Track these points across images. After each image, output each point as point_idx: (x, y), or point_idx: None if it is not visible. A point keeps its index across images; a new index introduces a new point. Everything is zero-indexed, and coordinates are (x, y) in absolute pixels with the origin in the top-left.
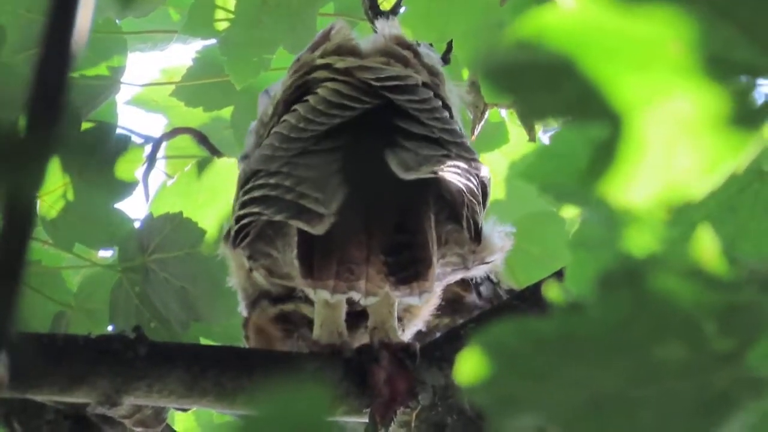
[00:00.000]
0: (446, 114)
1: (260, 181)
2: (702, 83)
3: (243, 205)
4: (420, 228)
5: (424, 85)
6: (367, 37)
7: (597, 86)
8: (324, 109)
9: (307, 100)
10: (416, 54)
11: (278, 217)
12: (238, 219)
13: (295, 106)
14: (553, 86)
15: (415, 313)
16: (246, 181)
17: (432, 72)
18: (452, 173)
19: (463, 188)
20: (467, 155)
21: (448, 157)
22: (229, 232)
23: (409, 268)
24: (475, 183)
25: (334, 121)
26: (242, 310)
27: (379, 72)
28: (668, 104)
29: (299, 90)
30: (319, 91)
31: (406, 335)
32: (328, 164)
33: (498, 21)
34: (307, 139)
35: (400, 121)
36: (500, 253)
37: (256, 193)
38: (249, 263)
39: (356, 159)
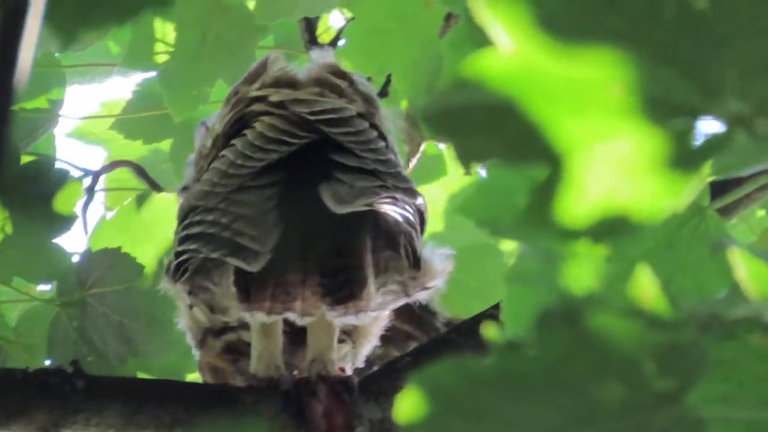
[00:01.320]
0: (382, 144)
1: (198, 217)
2: (642, 125)
3: (181, 241)
4: (355, 250)
5: (360, 115)
6: (303, 66)
7: (537, 129)
8: (261, 144)
9: (245, 135)
10: (351, 82)
11: (215, 255)
12: (177, 255)
13: (233, 141)
14: (492, 129)
15: (366, 332)
16: (185, 216)
17: (367, 100)
18: (387, 204)
19: (399, 218)
20: (402, 185)
21: (384, 188)
22: (169, 266)
23: (344, 289)
24: (411, 211)
25: (271, 156)
26: (194, 351)
27: (313, 105)
28: (608, 145)
29: (238, 123)
30: (257, 125)
31: (361, 355)
32: (264, 200)
33: (436, 54)
34: (245, 175)
35: (335, 154)
36: (441, 277)
37: (195, 230)
38: (189, 299)
39: (292, 194)
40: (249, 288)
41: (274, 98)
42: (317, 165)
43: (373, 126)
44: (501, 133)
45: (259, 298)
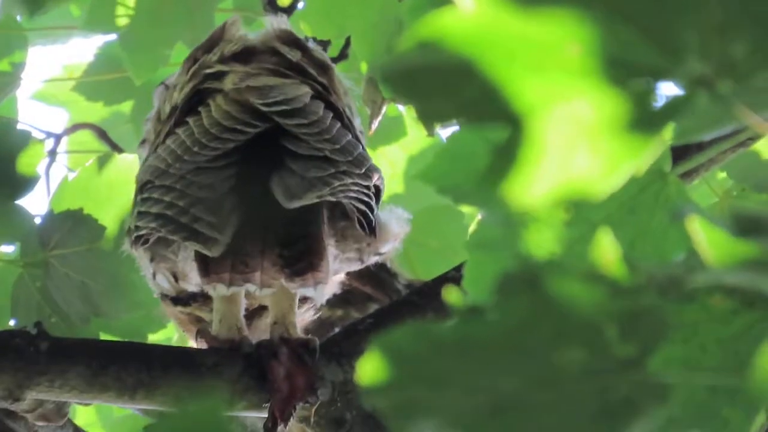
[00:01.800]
0: (337, 126)
1: (155, 194)
2: (601, 85)
3: (140, 216)
4: (312, 221)
5: (316, 93)
6: (257, 32)
7: (496, 89)
8: (217, 133)
9: (200, 118)
10: (305, 51)
11: (174, 237)
12: (136, 228)
13: (188, 120)
14: (452, 89)
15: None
16: (140, 188)
17: (321, 67)
18: (339, 192)
19: (352, 202)
20: (357, 170)
21: (337, 174)
22: (129, 233)
23: (302, 260)
24: (366, 191)
25: (227, 145)
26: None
27: (266, 94)
28: (567, 106)
29: (194, 98)
30: (212, 109)
31: (325, 296)
32: (220, 183)
33: (395, 17)
34: (201, 161)
35: (287, 142)
36: (394, 242)
37: (153, 209)
38: (152, 266)
39: (247, 177)
40: (208, 261)
41: (228, 83)
42: (271, 152)
43: (328, 103)
44: (460, 93)
45: (219, 270)
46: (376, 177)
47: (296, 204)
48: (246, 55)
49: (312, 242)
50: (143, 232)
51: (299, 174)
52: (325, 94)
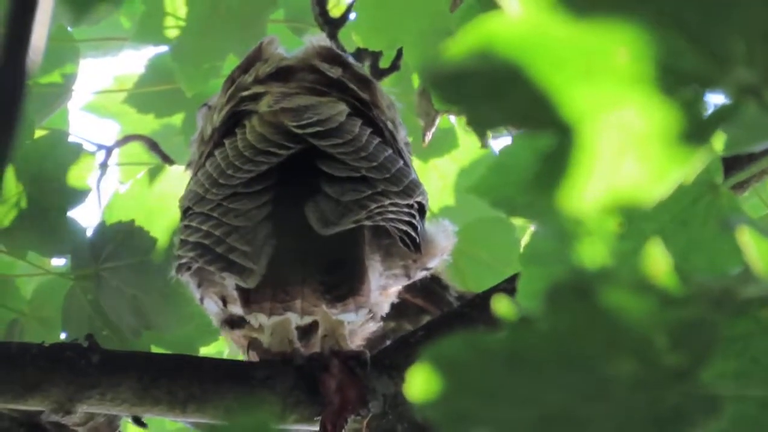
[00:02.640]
0: (376, 142)
1: (194, 223)
2: (650, 93)
3: (182, 243)
4: (352, 245)
5: (354, 109)
6: (297, 49)
7: (545, 96)
8: (250, 155)
9: (235, 140)
10: (346, 67)
11: (210, 268)
12: (178, 257)
13: (225, 142)
14: (501, 96)
15: (386, 294)
16: (183, 214)
17: (363, 81)
18: (379, 213)
19: (393, 226)
20: (396, 188)
21: (374, 195)
22: (174, 258)
23: (343, 286)
24: (406, 209)
25: (260, 168)
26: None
27: (301, 115)
28: (617, 114)
29: (231, 119)
30: (246, 132)
31: (383, 309)
32: (256, 209)
33: (446, 28)
34: (236, 185)
35: (323, 164)
36: (442, 257)
37: (192, 237)
38: (200, 291)
39: (284, 201)
40: (249, 290)
41: (264, 105)
42: (308, 172)
43: (367, 118)
44: (509, 99)
45: (259, 300)
46: (416, 193)
47: (331, 231)
48: (284, 73)
49: (352, 267)
50: (184, 261)
51: (334, 198)
52: (365, 109)
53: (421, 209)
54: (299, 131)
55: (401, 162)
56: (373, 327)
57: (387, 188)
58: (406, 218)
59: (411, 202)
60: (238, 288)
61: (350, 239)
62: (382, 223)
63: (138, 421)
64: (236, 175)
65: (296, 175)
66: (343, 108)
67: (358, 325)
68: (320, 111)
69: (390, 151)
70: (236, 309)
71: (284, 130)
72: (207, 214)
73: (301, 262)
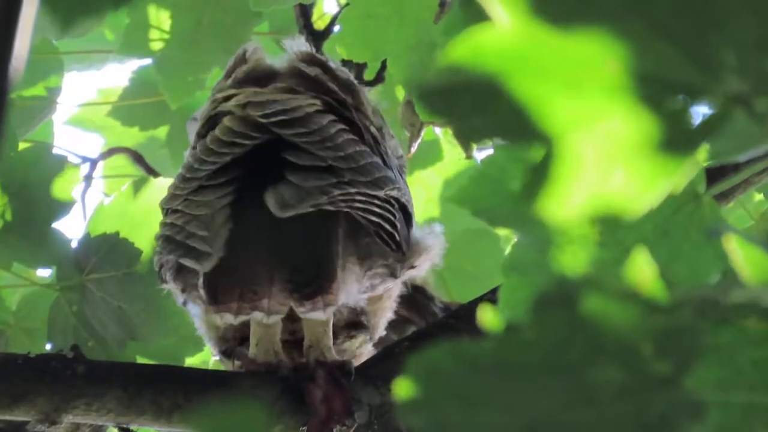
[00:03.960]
0: (346, 137)
1: (165, 220)
2: (637, 103)
3: (158, 243)
4: (323, 243)
5: (329, 108)
6: (280, 56)
7: (532, 107)
8: (215, 147)
9: (205, 139)
10: (326, 69)
11: (171, 257)
12: (156, 256)
13: (197, 143)
14: (487, 108)
15: (380, 305)
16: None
17: (346, 85)
18: (341, 201)
19: (359, 213)
20: (365, 178)
21: (339, 184)
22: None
23: (311, 284)
24: (378, 202)
25: (224, 159)
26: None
27: (266, 107)
28: (603, 125)
29: (209, 123)
30: (217, 128)
31: (379, 328)
32: (217, 200)
33: (431, 40)
34: (201, 177)
35: (287, 154)
36: (429, 254)
37: (162, 232)
38: (183, 296)
39: (247, 193)
40: (217, 289)
41: (233, 101)
42: (272, 164)
43: (344, 118)
44: (495, 111)
45: (226, 300)
46: (389, 187)
47: (289, 212)
48: (265, 78)
49: (322, 265)
50: (157, 258)
51: (295, 184)
52: (343, 110)
53: (404, 209)
54: (264, 121)
55: (377, 159)
56: (370, 349)
57: (354, 178)
58: (378, 210)
59: (382, 194)
60: (206, 287)
61: (321, 237)
62: (346, 210)
63: (125, 430)
64: (201, 167)
65: (263, 168)
66: (312, 102)
67: (356, 347)
68: (287, 103)
69: (365, 149)
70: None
71: (251, 123)
72: (175, 209)
73: (269, 259)
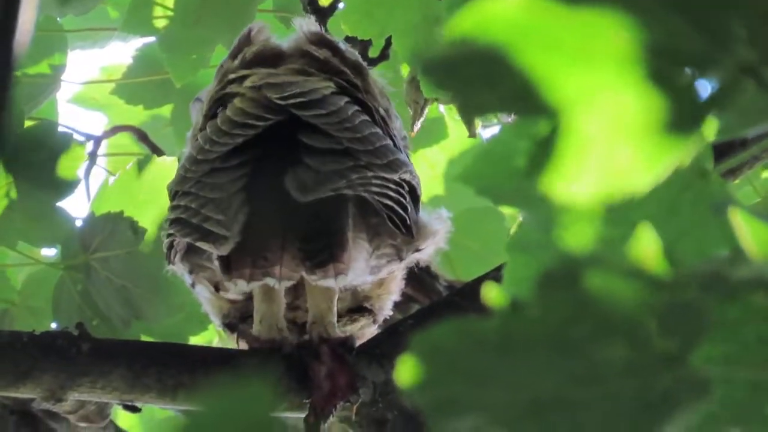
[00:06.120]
0: (362, 119)
1: (176, 202)
2: (645, 77)
3: (167, 225)
4: (335, 217)
5: (342, 89)
6: (288, 36)
7: (537, 80)
8: (227, 129)
9: (216, 120)
10: (336, 51)
11: (187, 240)
12: (166, 238)
13: (207, 124)
14: (493, 81)
15: (385, 288)
16: (171, 200)
17: (355, 68)
18: (359, 185)
19: (375, 196)
20: (381, 161)
21: (356, 168)
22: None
23: (323, 252)
24: (392, 186)
25: (237, 140)
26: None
27: (284, 88)
28: (610, 98)
29: (217, 104)
30: (228, 108)
31: (384, 311)
32: (232, 182)
33: (436, 17)
34: (213, 159)
35: (305, 136)
36: (436, 238)
37: (173, 215)
38: (191, 277)
39: (262, 175)
40: (230, 258)
41: (247, 82)
42: (288, 146)
43: (356, 100)
44: (501, 85)
45: (239, 266)
46: (402, 170)
47: (310, 197)
48: (273, 59)
49: (334, 234)
50: (168, 241)
51: (314, 168)
52: (355, 92)
53: (413, 192)
54: (282, 102)
55: (388, 142)
56: (373, 330)
57: (370, 161)
58: (393, 194)
59: (396, 177)
60: (219, 257)
61: (332, 210)
62: (363, 194)
63: (130, 407)
64: (213, 149)
65: (277, 150)
66: (329, 85)
67: (358, 328)
68: (304, 85)
69: (377, 130)
70: (229, 295)
71: (265, 103)
72: (187, 191)
73: (281, 230)
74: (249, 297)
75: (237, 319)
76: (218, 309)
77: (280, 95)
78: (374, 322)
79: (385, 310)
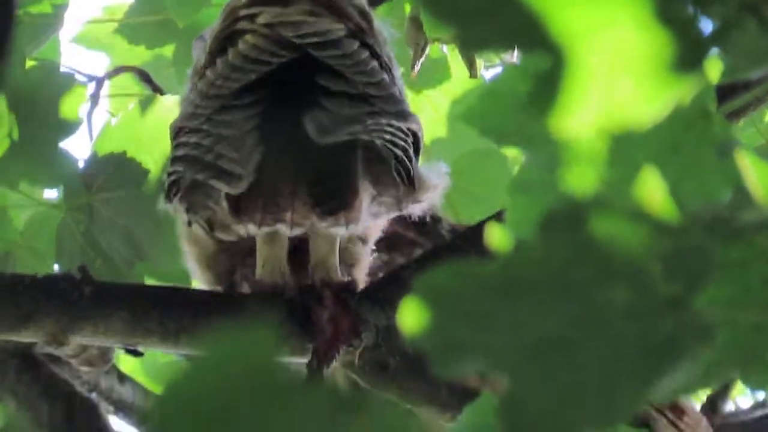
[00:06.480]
0: (374, 64)
1: (183, 139)
2: (647, 12)
3: (171, 162)
4: (345, 161)
5: (351, 33)
6: None
7: (538, 15)
8: (240, 64)
9: (227, 56)
10: None
11: (199, 177)
12: (168, 175)
13: (217, 60)
14: (493, 14)
15: (368, 233)
16: (174, 137)
17: (361, 13)
18: (374, 131)
19: (387, 144)
20: (393, 108)
21: (371, 113)
22: (163, 186)
23: (334, 199)
24: (402, 135)
25: (250, 76)
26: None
27: (300, 27)
28: (611, 34)
29: (225, 41)
30: (239, 44)
31: (371, 240)
32: (246, 120)
33: None
34: (225, 96)
35: (321, 78)
36: (434, 191)
37: (180, 152)
38: (188, 216)
39: (276, 114)
40: (240, 200)
41: (261, 19)
42: (302, 88)
43: (365, 45)
44: (502, 19)
45: (249, 210)
46: (410, 120)
47: (329, 139)
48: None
49: (344, 181)
50: (173, 178)
51: (332, 111)
52: (363, 36)
53: (416, 142)
54: (298, 41)
55: (397, 90)
56: (367, 254)
57: (384, 108)
58: (401, 143)
59: (405, 127)
60: (229, 198)
61: (343, 155)
62: (378, 141)
63: (133, 351)
64: (225, 84)
65: (291, 90)
66: (341, 27)
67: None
68: (319, 25)
69: (386, 77)
70: (223, 235)
71: (278, 40)
72: (196, 128)
73: (292, 174)
74: (240, 240)
75: (229, 272)
76: (204, 247)
77: (297, 33)
78: (368, 249)
79: (375, 239)
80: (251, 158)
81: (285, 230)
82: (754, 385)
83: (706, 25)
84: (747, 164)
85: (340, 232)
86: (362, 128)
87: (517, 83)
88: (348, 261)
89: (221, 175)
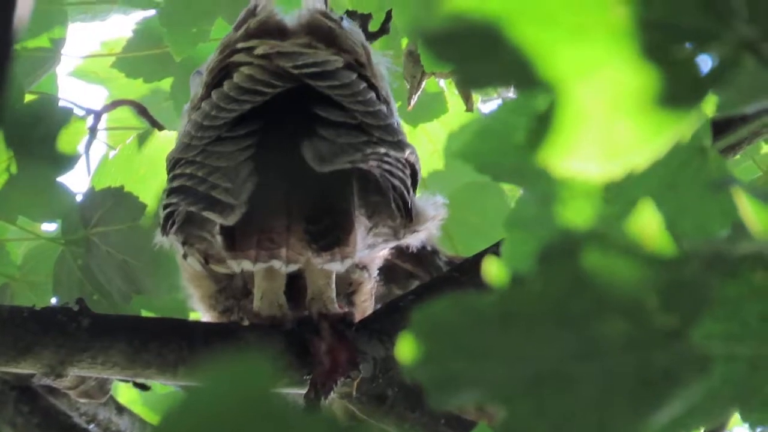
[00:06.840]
0: (371, 95)
1: (179, 170)
2: (643, 51)
3: (167, 195)
4: (340, 195)
5: (349, 66)
6: (293, 12)
7: (536, 54)
8: (235, 95)
9: (222, 86)
10: (341, 29)
11: (192, 209)
12: (164, 208)
13: (212, 92)
14: (490, 54)
15: (367, 261)
16: (170, 169)
17: (359, 46)
18: (372, 160)
19: (385, 174)
20: (391, 138)
21: (369, 143)
22: (159, 220)
23: (329, 235)
24: (400, 165)
25: (244, 107)
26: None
27: (297, 58)
28: (608, 73)
29: (221, 74)
30: (235, 76)
31: (373, 267)
32: (240, 151)
33: None
34: (221, 126)
35: (318, 108)
36: (432, 223)
37: (176, 183)
38: (184, 249)
39: (271, 145)
40: (234, 236)
41: (258, 51)
42: (299, 118)
43: (362, 77)
44: (498, 58)
45: (244, 247)
46: (408, 151)
47: (327, 168)
48: (278, 33)
49: (340, 216)
50: (168, 210)
51: (330, 139)
52: (361, 69)
53: (413, 174)
54: (295, 71)
55: (395, 121)
56: (371, 286)
57: (382, 137)
58: (400, 174)
59: (403, 157)
60: (223, 233)
61: (339, 189)
62: (376, 171)
63: (140, 385)
64: (219, 115)
65: (284, 121)
66: (339, 59)
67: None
68: (316, 57)
69: (385, 108)
70: (218, 268)
71: (276, 71)
72: (191, 159)
73: (287, 209)
74: (238, 278)
75: (229, 303)
76: (204, 288)
77: (293, 64)
78: (369, 276)
79: (377, 266)
80: (244, 188)
81: (280, 266)
82: (753, 422)
83: (705, 63)
84: (743, 200)
85: (336, 267)
86: (361, 157)
87: (512, 120)
88: (348, 289)
89: (214, 205)
